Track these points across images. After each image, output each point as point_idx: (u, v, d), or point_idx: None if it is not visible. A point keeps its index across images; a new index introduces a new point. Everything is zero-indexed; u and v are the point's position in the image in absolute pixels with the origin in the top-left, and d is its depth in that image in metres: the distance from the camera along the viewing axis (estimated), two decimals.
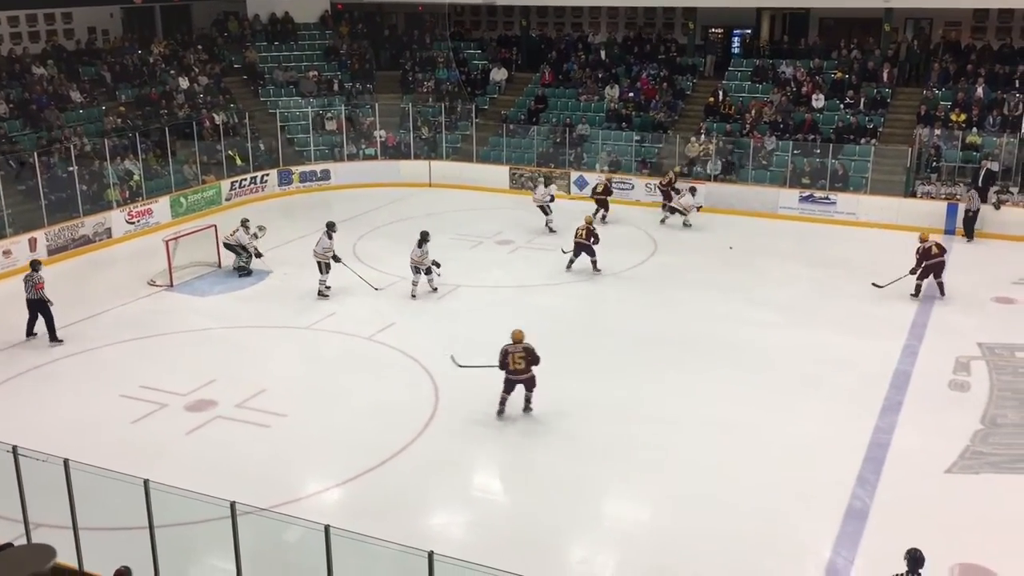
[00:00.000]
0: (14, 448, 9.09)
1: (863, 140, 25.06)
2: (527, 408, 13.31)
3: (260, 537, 9.93)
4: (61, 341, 16.21)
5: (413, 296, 18.15)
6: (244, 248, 19.47)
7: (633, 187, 26.03)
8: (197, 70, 29.35)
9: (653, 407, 13.72)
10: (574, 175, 26.87)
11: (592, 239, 19.19)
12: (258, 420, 13.34)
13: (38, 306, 16.15)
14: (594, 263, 19.42)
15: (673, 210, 23.54)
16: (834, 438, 12.76)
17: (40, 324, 16.30)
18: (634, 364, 15.24)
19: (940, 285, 17.89)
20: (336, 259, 18.17)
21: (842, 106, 26.35)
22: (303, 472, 12.19)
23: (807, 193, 24.29)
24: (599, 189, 23.99)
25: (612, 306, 18.03)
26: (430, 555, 7.29)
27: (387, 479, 11.86)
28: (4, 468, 9.15)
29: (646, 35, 31.75)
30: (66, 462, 8.81)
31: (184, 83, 28.42)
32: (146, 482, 8.46)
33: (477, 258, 20.95)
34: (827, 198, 24.08)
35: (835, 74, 27.23)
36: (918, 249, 17.70)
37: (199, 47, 30.74)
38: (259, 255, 19.74)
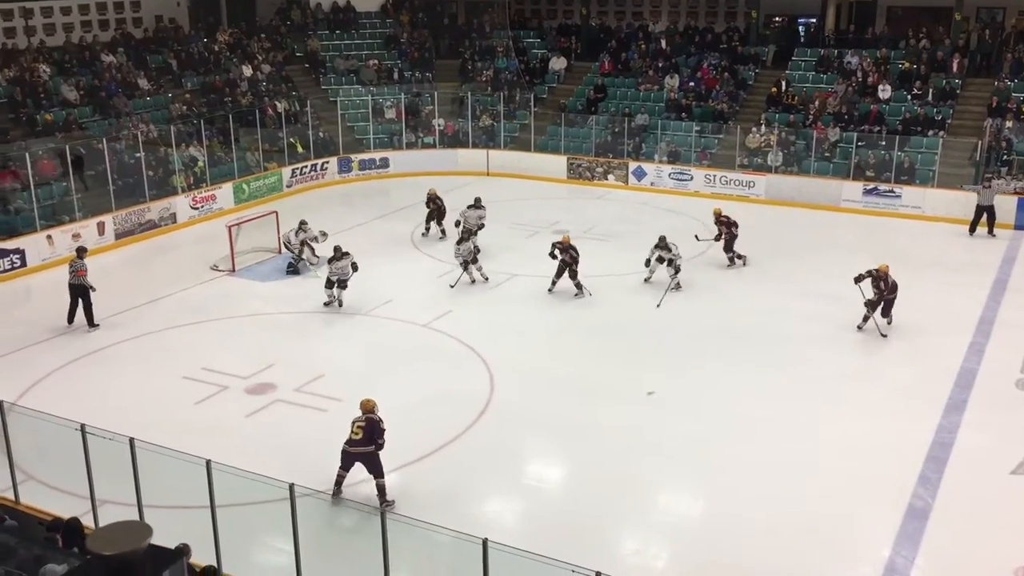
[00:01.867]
0: (82, 427, 9.36)
1: (931, 132, 24.48)
2: (382, 502, 10.60)
3: (317, 519, 10.11)
4: (98, 326, 16.44)
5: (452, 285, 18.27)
6: (291, 248, 19.57)
7: (692, 178, 25.78)
8: (260, 58, 29.79)
9: (706, 400, 13.59)
10: (632, 165, 26.70)
11: (566, 254, 17.62)
12: (316, 404, 13.53)
13: (78, 291, 16.37)
14: (577, 285, 17.69)
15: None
16: (895, 436, 12.51)
17: (80, 312, 16.47)
18: (688, 357, 15.12)
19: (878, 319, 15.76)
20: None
21: (909, 97, 25.77)
22: None
23: (871, 186, 23.80)
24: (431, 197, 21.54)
25: (666, 297, 17.86)
26: (484, 542, 7.33)
27: (442, 466, 11.94)
28: (72, 446, 9.42)
29: (708, 24, 31.38)
30: (132, 441, 9.04)
31: (248, 71, 28.86)
32: (208, 462, 8.64)
33: (533, 248, 20.91)
34: (892, 191, 23.57)
35: (903, 64, 26.61)
36: (880, 281, 15.56)
37: (263, 36, 31.19)
38: (300, 258, 19.40)
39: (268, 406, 13.53)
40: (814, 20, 30.71)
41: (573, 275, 17.68)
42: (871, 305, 15.68)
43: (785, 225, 22.68)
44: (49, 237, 20.33)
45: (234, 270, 19.47)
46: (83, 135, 23.61)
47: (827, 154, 25.10)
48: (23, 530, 8.45)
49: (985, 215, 21.41)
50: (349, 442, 10.88)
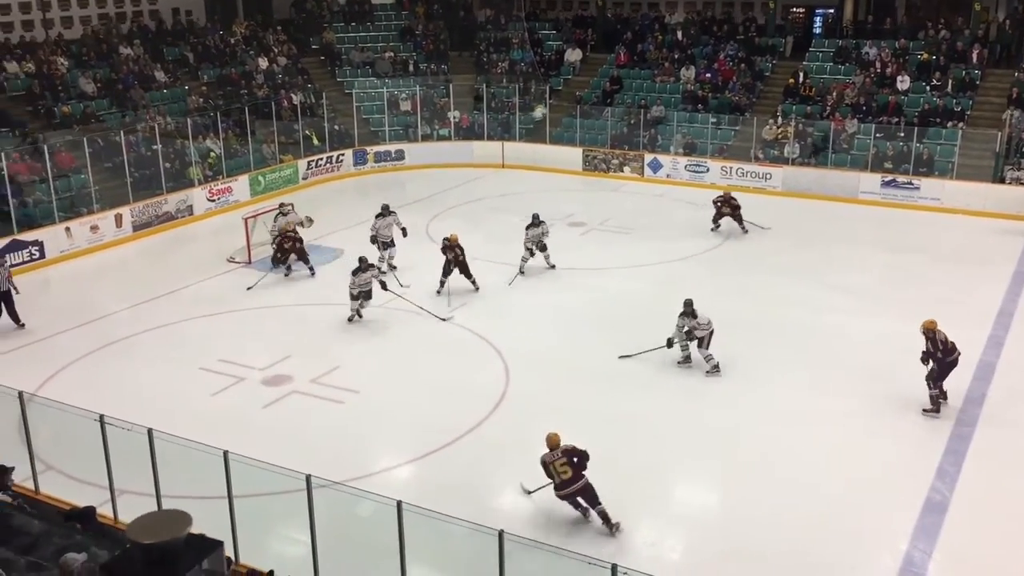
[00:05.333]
0: (101, 417, 9.39)
1: (950, 124, 24.28)
2: (610, 528, 10.26)
3: (334, 510, 10.10)
4: (24, 325, 16.22)
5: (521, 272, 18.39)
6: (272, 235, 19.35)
7: (708, 170, 25.66)
8: (276, 51, 29.83)
9: (725, 393, 13.55)
10: (648, 157, 26.60)
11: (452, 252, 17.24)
12: (332, 396, 13.56)
13: (4, 296, 16.18)
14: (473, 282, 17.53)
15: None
16: (913, 429, 12.44)
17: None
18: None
19: (943, 394, 12.79)
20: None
21: (928, 88, 25.54)
22: (375, 448, 12.38)
23: (889, 178, 23.63)
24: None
25: (685, 291, 17.66)
26: (500, 533, 7.32)
27: (457, 457, 11.95)
28: (91, 436, 9.47)
29: (724, 15, 31.23)
30: (150, 431, 9.07)
31: (263, 64, 28.91)
32: (225, 453, 8.67)
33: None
34: (910, 183, 23.39)
35: (921, 55, 26.39)
36: (934, 341, 12.67)
37: (278, 28, 31.24)
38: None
39: (284, 397, 13.58)
40: (832, 11, 30.50)
41: (466, 272, 17.32)
42: (932, 376, 12.71)
43: (803, 217, 22.56)
44: (67, 229, 20.45)
45: (250, 262, 19.52)
46: (100, 127, 23.72)
47: (845, 146, 24.93)
48: (42, 519, 8.51)
49: None
50: (561, 485, 10.28)
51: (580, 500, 10.37)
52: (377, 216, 18.82)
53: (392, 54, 31.18)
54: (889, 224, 22.02)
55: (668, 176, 26.22)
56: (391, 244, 18.71)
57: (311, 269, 18.74)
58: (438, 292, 17.38)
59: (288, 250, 18.47)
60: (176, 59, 28.01)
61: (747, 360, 14.56)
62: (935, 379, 12.73)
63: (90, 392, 12.94)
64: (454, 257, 17.26)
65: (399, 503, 7.81)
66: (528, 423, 12.75)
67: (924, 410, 12.73)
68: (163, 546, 3.05)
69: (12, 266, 18.18)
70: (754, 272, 18.70)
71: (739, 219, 20.97)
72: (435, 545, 9.21)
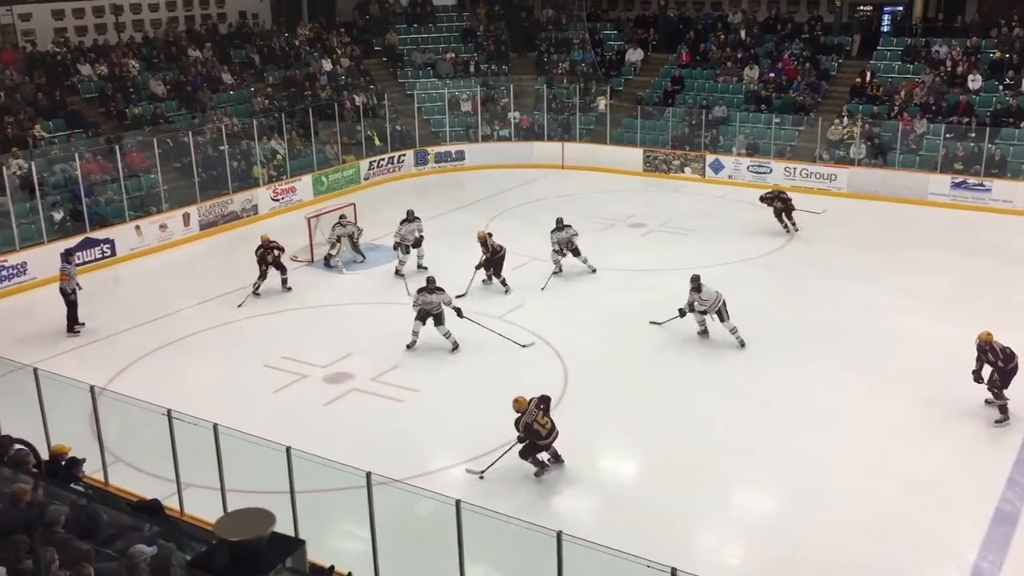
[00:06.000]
0: (169, 411, 9.62)
1: (1023, 124, 23.57)
2: (558, 460, 11.63)
3: (393, 507, 10.20)
4: (77, 332, 16.19)
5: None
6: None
7: (771, 171, 25.31)
8: (340, 52, 30.22)
9: (788, 395, 13.36)
10: (709, 158, 26.33)
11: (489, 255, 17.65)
12: (392, 394, 13.69)
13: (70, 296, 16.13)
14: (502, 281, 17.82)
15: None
16: (981, 437, 12.12)
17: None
18: (765, 351, 14.83)
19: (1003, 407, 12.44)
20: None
21: (1001, 87, 24.84)
22: (433, 446, 12.46)
23: (960, 179, 23.04)
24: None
25: (745, 292, 17.52)
26: (559, 534, 7.32)
27: (515, 458, 11.95)
28: (159, 430, 9.71)
29: (789, 13, 30.76)
30: (215, 427, 9.27)
31: (327, 65, 29.30)
32: (288, 449, 8.81)
33: (608, 241, 20.80)
34: (982, 185, 22.78)
35: (994, 54, 25.67)
36: (993, 351, 12.42)
37: (342, 30, 31.64)
38: (330, 254, 19.53)
39: (345, 395, 13.75)
40: (900, 8, 29.85)
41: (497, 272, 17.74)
42: (996, 386, 12.40)
43: (868, 219, 22.13)
44: (138, 227, 20.99)
45: (313, 261, 19.80)
46: (170, 128, 24.28)
47: (913, 146, 24.38)
48: (111, 510, 8.74)
49: None
50: (547, 435, 11.28)
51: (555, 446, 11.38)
52: (402, 222, 19.06)
53: (453, 55, 31.36)
54: (959, 227, 21.48)
55: (730, 177, 25.92)
56: (418, 246, 18.97)
57: (284, 282, 18.18)
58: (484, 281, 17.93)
59: (271, 262, 17.95)
60: (242, 61, 28.54)
61: (807, 363, 14.35)
62: (999, 387, 12.38)
63: (157, 387, 13.23)
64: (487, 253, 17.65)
65: (458, 502, 7.85)
66: (586, 423, 12.76)
67: (996, 421, 12.37)
68: (249, 544, 3.13)
69: (84, 263, 18.76)
70: (816, 274, 18.40)
71: (790, 216, 20.67)
72: (493, 544, 9.22)
